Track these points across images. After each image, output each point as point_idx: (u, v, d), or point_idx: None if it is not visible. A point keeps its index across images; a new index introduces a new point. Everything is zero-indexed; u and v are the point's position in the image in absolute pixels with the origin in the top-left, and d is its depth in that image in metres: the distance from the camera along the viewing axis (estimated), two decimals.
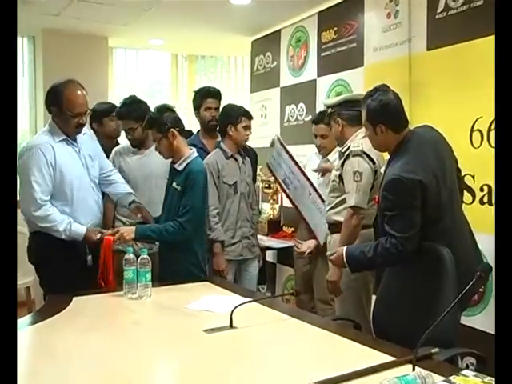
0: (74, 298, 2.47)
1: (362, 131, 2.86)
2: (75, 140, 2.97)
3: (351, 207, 2.76)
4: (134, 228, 2.86)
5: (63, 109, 2.85)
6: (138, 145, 3.45)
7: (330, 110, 3.02)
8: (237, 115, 3.48)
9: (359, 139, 2.86)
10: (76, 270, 2.82)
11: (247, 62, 6.43)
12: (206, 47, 6.40)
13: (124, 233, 2.81)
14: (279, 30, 5.14)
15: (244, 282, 3.54)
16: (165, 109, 2.99)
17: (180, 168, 2.92)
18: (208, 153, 3.59)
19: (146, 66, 6.63)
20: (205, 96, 3.74)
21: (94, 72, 5.45)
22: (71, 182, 2.90)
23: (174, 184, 2.94)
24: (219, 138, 3.73)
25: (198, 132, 3.86)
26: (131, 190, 3.27)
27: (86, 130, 3.10)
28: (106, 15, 4.89)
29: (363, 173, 2.75)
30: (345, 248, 2.43)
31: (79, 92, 2.89)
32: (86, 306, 2.45)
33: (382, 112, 2.37)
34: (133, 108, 3.38)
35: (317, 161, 3.64)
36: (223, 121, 3.52)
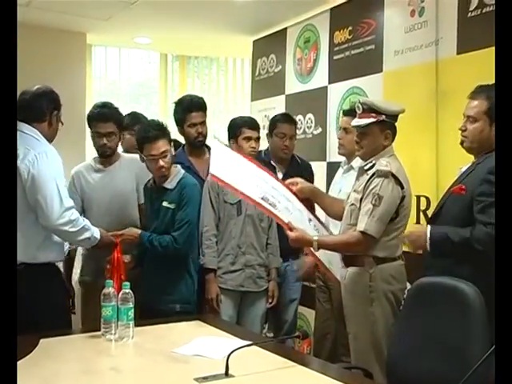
0: (42, 340, 2.44)
1: (390, 150, 2.86)
2: None
3: (361, 232, 2.73)
4: (138, 234, 3.12)
5: (60, 113, 2.98)
6: (110, 155, 3.48)
7: (383, 117, 2.82)
8: (235, 127, 3.57)
9: (386, 157, 2.83)
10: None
11: (247, 65, 6.49)
12: (200, 47, 6.45)
13: (127, 239, 3.06)
14: (285, 29, 5.18)
15: (247, 322, 3.51)
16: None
17: (171, 186, 3.16)
18: (196, 173, 3.59)
19: (130, 68, 6.68)
20: (188, 110, 3.67)
21: (69, 73, 5.47)
22: None
23: (166, 203, 3.15)
24: (208, 155, 3.69)
25: (183, 147, 3.80)
26: None
27: None
28: (84, 8, 4.92)
29: (384, 198, 2.71)
30: (429, 227, 2.69)
31: None
32: (55, 350, 2.42)
33: None
34: (114, 109, 3.49)
35: (349, 179, 3.35)
36: (228, 137, 3.62)
